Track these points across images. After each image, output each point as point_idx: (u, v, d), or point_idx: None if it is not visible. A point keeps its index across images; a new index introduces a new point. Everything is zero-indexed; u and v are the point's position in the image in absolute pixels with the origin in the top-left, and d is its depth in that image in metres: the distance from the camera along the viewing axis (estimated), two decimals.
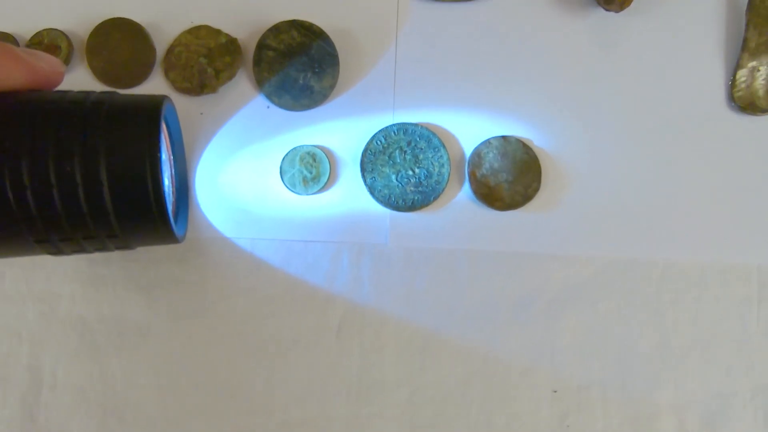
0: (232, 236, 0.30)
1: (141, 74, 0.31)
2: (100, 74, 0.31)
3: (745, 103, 0.30)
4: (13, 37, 0.31)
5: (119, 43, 0.30)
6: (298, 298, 0.29)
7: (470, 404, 0.29)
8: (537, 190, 0.30)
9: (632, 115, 0.30)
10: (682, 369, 0.29)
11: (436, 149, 0.30)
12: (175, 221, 0.27)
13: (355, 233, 0.30)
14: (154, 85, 0.31)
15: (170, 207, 0.25)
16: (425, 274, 0.30)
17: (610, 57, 0.31)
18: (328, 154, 0.30)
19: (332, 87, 0.30)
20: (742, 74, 0.30)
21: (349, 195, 0.30)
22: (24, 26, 0.31)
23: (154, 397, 0.29)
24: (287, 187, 0.30)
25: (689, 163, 0.30)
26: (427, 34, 0.31)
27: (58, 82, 0.24)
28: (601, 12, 0.30)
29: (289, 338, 0.29)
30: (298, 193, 0.30)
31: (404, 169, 0.30)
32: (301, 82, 0.30)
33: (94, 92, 0.23)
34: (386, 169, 0.30)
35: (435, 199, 0.30)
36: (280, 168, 0.30)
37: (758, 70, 0.30)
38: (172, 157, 0.28)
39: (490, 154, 0.30)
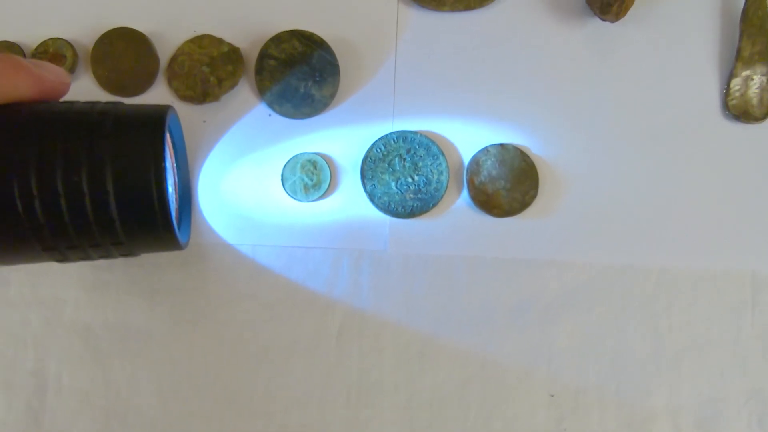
0: (233, 242, 0.30)
1: (145, 83, 0.31)
2: (105, 83, 0.31)
3: (739, 112, 0.31)
4: (19, 46, 0.31)
5: (123, 52, 0.31)
6: (299, 303, 0.30)
7: (468, 408, 0.30)
8: (534, 197, 0.30)
9: (628, 124, 0.31)
10: (677, 373, 0.30)
11: (435, 157, 0.30)
12: (178, 228, 0.28)
13: (355, 239, 0.30)
14: (158, 93, 0.31)
15: (174, 214, 0.25)
16: (424, 279, 0.30)
17: (607, 66, 0.31)
18: (329, 161, 0.30)
19: (333, 95, 0.31)
20: (736, 83, 0.31)
21: (350, 202, 0.30)
22: (30, 35, 0.31)
23: (156, 400, 0.30)
24: (288, 194, 0.30)
25: (684, 170, 0.31)
26: (426, 44, 0.31)
27: (65, 92, 0.24)
28: (597, 22, 0.31)
29: (290, 342, 0.30)
30: (299, 200, 0.30)
31: (404, 176, 0.30)
32: (302, 90, 0.31)
33: (99, 103, 0.24)
34: (386, 177, 0.30)
35: (434, 206, 0.30)
36: (282, 175, 0.30)
37: (752, 79, 0.31)
38: (175, 165, 0.28)
39: (488, 162, 0.30)
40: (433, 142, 0.30)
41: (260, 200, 0.30)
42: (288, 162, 0.30)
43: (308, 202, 0.30)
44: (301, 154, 0.30)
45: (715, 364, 0.30)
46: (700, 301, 0.30)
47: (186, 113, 0.30)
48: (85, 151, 0.22)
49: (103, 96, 0.31)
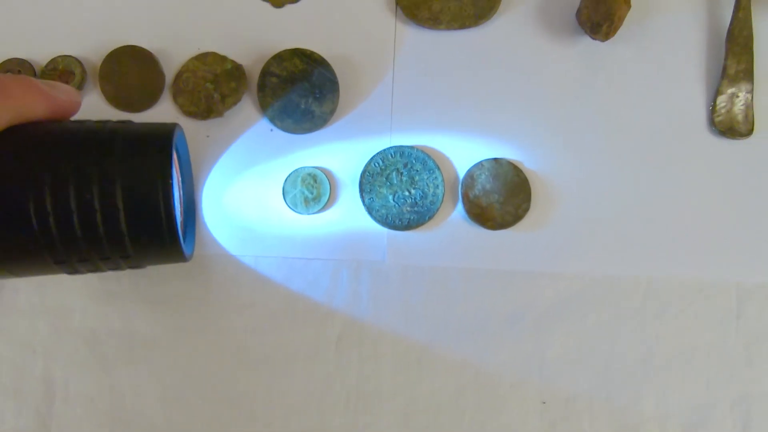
0: (236, 253, 0.31)
1: (151, 99, 0.32)
2: (112, 99, 0.32)
3: (725, 128, 0.31)
4: (29, 62, 0.32)
5: (130, 70, 0.32)
6: (299, 312, 0.31)
7: (463, 414, 0.30)
8: (527, 210, 0.31)
9: (617, 139, 0.32)
10: (665, 381, 0.30)
11: (431, 171, 0.31)
12: (183, 240, 0.29)
13: (354, 251, 0.31)
14: (163, 109, 0.32)
15: (179, 226, 0.26)
16: (421, 290, 0.31)
17: (597, 83, 0.32)
18: (329, 175, 0.31)
19: (332, 111, 0.31)
20: (721, 100, 0.32)
21: (349, 214, 0.31)
22: (40, 53, 0.32)
23: (160, 406, 0.30)
24: (289, 207, 0.31)
25: (672, 184, 0.31)
26: (422, 61, 0.32)
27: (76, 111, 0.25)
28: (588, 40, 0.32)
29: (290, 351, 0.30)
30: (300, 213, 0.31)
31: (401, 189, 0.31)
32: (302, 106, 0.31)
33: (110, 121, 0.25)
34: (384, 190, 0.31)
35: (430, 218, 0.31)
36: (283, 188, 0.31)
37: (737, 97, 0.32)
38: (180, 179, 0.29)
39: (483, 176, 0.31)
40: (429, 156, 0.31)
41: (262, 213, 0.31)
42: (289, 176, 0.31)
43: (308, 214, 0.31)
44: (301, 168, 0.31)
45: (702, 372, 0.30)
46: (687, 311, 0.30)
47: (190, 128, 0.31)
48: (96, 169, 0.23)
49: (110, 111, 0.32)
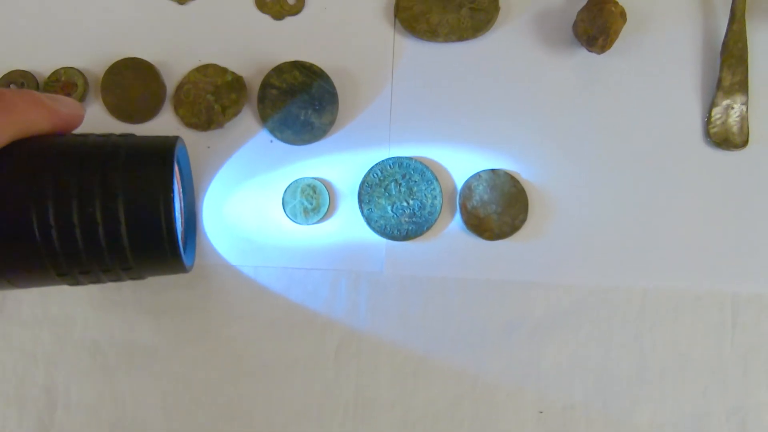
0: (236, 264, 0.31)
1: (152, 110, 0.32)
2: (114, 110, 0.32)
3: (720, 139, 0.32)
4: (32, 74, 0.32)
5: (132, 81, 0.32)
6: (298, 322, 0.31)
7: (460, 424, 0.30)
8: (524, 221, 0.31)
9: (613, 151, 0.32)
10: (660, 391, 0.30)
11: (429, 182, 0.31)
12: (184, 251, 0.29)
13: (352, 261, 0.31)
14: (164, 120, 0.32)
15: (180, 239, 0.26)
16: (419, 300, 0.31)
17: (593, 95, 0.32)
18: (328, 186, 0.32)
19: (331, 123, 0.32)
20: (717, 112, 0.32)
21: (347, 225, 0.31)
22: (43, 65, 0.32)
23: (161, 415, 0.31)
24: (289, 218, 0.31)
25: (667, 195, 0.32)
26: (420, 73, 0.32)
27: (79, 124, 0.26)
28: (584, 53, 0.32)
29: (289, 360, 0.31)
30: (299, 223, 0.31)
31: (399, 200, 0.31)
32: (302, 118, 0.32)
33: (112, 135, 0.25)
34: (382, 201, 0.31)
35: (428, 229, 0.31)
36: (282, 199, 0.31)
37: (732, 108, 0.32)
38: (181, 190, 0.30)
39: (480, 187, 0.31)
40: (427, 167, 0.31)
41: (262, 223, 0.31)
42: (288, 186, 0.31)
43: (308, 225, 0.31)
44: (301, 178, 0.31)
45: (697, 382, 0.30)
46: (682, 321, 0.31)
47: (191, 139, 0.32)
48: (98, 183, 0.23)
49: (112, 122, 0.32)
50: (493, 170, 0.31)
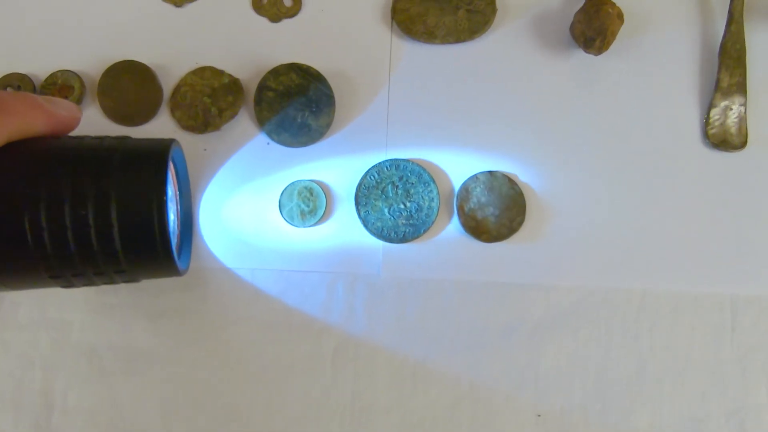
0: (233, 267, 0.31)
1: (149, 113, 0.32)
2: (111, 113, 0.32)
3: (719, 141, 0.32)
4: (29, 77, 0.32)
5: (128, 84, 0.32)
6: (295, 325, 0.31)
7: (458, 427, 0.30)
8: (521, 223, 0.31)
9: (611, 152, 0.32)
10: (660, 393, 0.30)
11: (427, 184, 0.31)
12: (180, 254, 0.29)
13: (349, 264, 0.31)
14: (161, 123, 0.32)
15: (174, 243, 0.26)
16: (416, 303, 0.31)
17: (591, 97, 0.32)
18: (325, 188, 0.32)
19: (328, 125, 0.32)
20: (715, 113, 0.32)
21: (344, 227, 0.31)
22: (39, 68, 0.33)
23: (158, 418, 0.31)
24: (286, 220, 0.31)
25: (666, 197, 0.31)
26: (418, 76, 0.32)
27: (75, 127, 0.26)
28: (581, 54, 0.32)
29: (287, 363, 0.31)
30: (296, 226, 0.31)
31: (396, 203, 0.31)
32: (299, 120, 0.32)
33: (107, 138, 0.25)
34: (379, 203, 0.31)
35: (425, 231, 0.31)
36: (279, 202, 0.31)
37: (730, 109, 0.32)
38: (178, 193, 0.30)
39: (478, 189, 0.31)
40: (424, 169, 0.31)
41: (259, 226, 0.31)
42: (285, 189, 0.31)
43: (305, 227, 0.31)
44: (298, 181, 0.31)
45: (696, 384, 0.30)
46: (681, 323, 0.31)
47: (188, 142, 0.31)
48: (92, 186, 0.23)
49: (108, 125, 0.32)
50: (490, 172, 0.31)
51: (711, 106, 0.32)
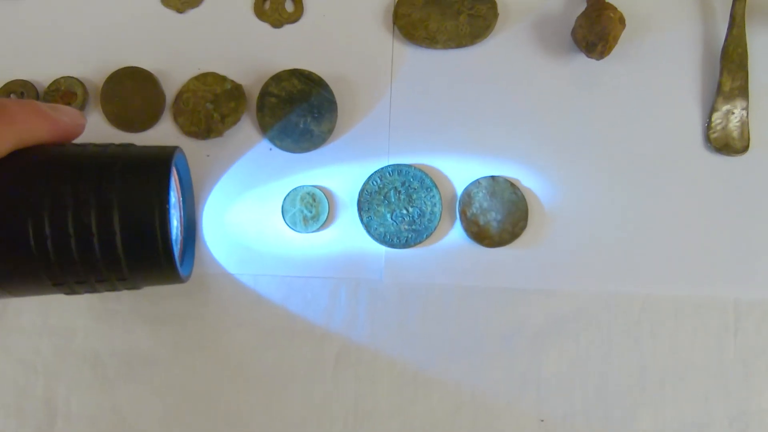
0: (235, 272, 0.31)
1: (151, 119, 0.32)
2: (114, 119, 0.32)
3: (721, 145, 0.32)
4: (32, 84, 0.33)
5: (131, 90, 0.32)
6: (298, 331, 0.31)
7: None
8: (524, 228, 0.31)
9: (613, 156, 0.32)
10: (662, 398, 0.30)
11: (429, 189, 0.31)
12: (183, 260, 0.29)
13: (352, 269, 0.31)
14: (164, 129, 0.32)
15: (177, 250, 0.26)
16: (418, 308, 0.31)
17: (593, 101, 0.32)
18: (327, 194, 0.32)
19: (331, 131, 0.32)
20: (717, 117, 0.32)
21: (347, 233, 0.31)
22: (43, 74, 0.33)
23: (160, 425, 0.31)
24: (288, 226, 0.31)
25: (668, 201, 0.31)
26: (419, 81, 0.32)
27: (80, 134, 0.26)
28: (583, 59, 0.32)
29: (289, 369, 0.31)
30: (299, 232, 0.31)
31: (398, 208, 0.31)
32: (301, 126, 0.32)
33: (111, 145, 0.25)
34: (382, 209, 0.31)
35: (428, 236, 0.31)
36: (282, 207, 0.31)
37: (732, 113, 0.32)
38: (181, 200, 0.30)
39: (480, 194, 0.31)
40: (426, 175, 0.31)
41: (261, 231, 0.31)
42: (288, 195, 0.31)
43: (307, 233, 0.31)
44: (300, 187, 0.31)
45: (699, 388, 0.30)
46: (683, 328, 0.31)
47: (191, 148, 0.31)
48: (95, 194, 0.23)
49: (111, 131, 0.32)
50: (492, 177, 0.31)
51: (713, 110, 0.32)
